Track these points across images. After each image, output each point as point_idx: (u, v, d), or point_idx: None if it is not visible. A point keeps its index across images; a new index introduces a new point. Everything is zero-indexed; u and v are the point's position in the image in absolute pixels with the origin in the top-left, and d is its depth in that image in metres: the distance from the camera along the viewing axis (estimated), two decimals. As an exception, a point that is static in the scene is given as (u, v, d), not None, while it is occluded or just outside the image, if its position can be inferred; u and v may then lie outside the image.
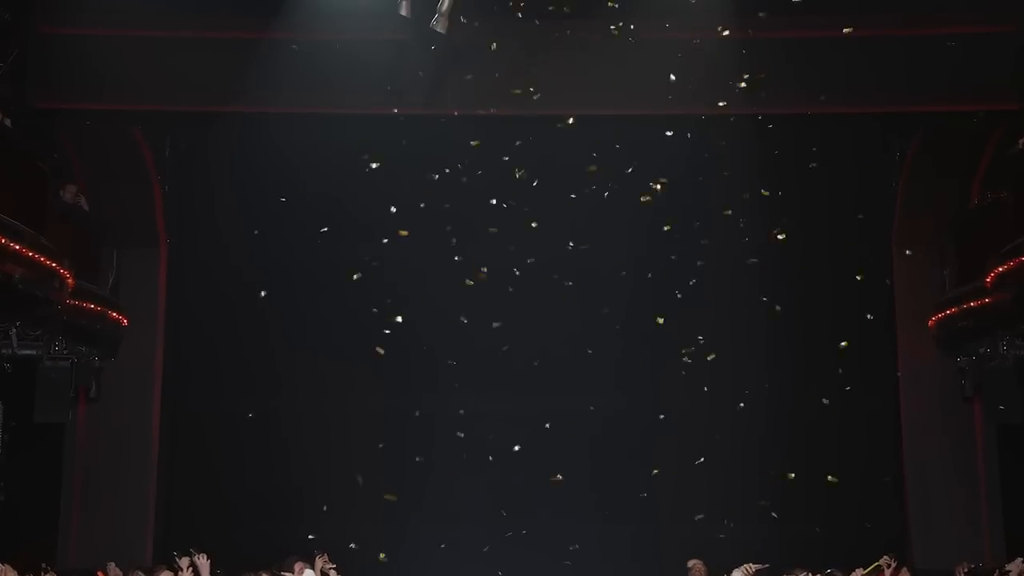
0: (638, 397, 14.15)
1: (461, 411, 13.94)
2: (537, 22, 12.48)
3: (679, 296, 13.99)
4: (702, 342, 13.89)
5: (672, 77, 12.62)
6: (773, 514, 13.40)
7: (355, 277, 13.32)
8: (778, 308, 13.92)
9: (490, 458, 13.75)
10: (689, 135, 13.65)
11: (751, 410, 13.99)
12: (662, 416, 14.02)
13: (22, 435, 13.33)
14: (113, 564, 11.99)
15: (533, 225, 13.53)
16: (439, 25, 10.20)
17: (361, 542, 13.51)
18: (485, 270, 13.31)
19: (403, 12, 10.37)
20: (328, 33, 12.76)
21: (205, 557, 9.37)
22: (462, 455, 13.82)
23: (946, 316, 13.41)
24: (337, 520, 13.71)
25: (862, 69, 12.86)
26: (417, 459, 13.95)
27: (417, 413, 14.08)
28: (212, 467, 14.13)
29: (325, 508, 13.72)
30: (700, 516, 13.61)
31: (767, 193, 13.59)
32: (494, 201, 13.62)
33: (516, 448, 13.65)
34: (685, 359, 13.62)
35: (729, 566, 10.37)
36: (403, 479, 13.92)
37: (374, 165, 13.12)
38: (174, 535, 13.86)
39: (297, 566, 11.36)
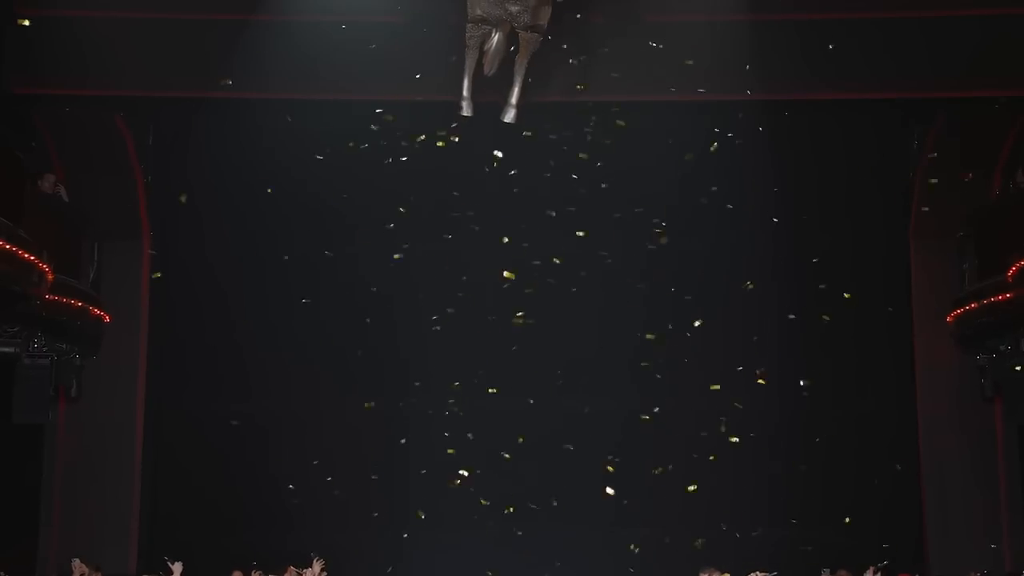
0: (648, 398, 14.09)
1: (458, 412, 13.98)
2: None
3: (690, 293, 14.00)
4: (712, 342, 13.97)
5: (682, 62, 12.64)
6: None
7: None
8: (790, 305, 13.95)
9: (485, 461, 13.81)
10: (698, 123, 13.67)
11: (765, 410, 13.98)
12: (672, 419, 14.02)
13: (0, 436, 13.29)
14: (78, 560, 12.01)
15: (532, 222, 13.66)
16: (508, 116, 10.84)
17: (357, 548, 13.59)
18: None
19: (465, 112, 10.69)
20: (318, 15, 12.72)
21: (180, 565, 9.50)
22: (458, 458, 13.84)
23: (966, 312, 13.35)
24: (331, 526, 13.72)
25: (879, 53, 12.82)
26: (412, 462, 13.99)
27: (413, 424, 14.11)
28: (198, 468, 14.07)
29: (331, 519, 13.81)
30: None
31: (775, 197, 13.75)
32: (489, 193, 13.71)
33: (506, 451, 13.79)
34: (690, 352, 13.77)
35: (741, 572, 10.41)
36: (398, 483, 13.96)
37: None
38: (158, 540, 13.83)
39: (291, 571, 11.39)
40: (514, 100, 10.83)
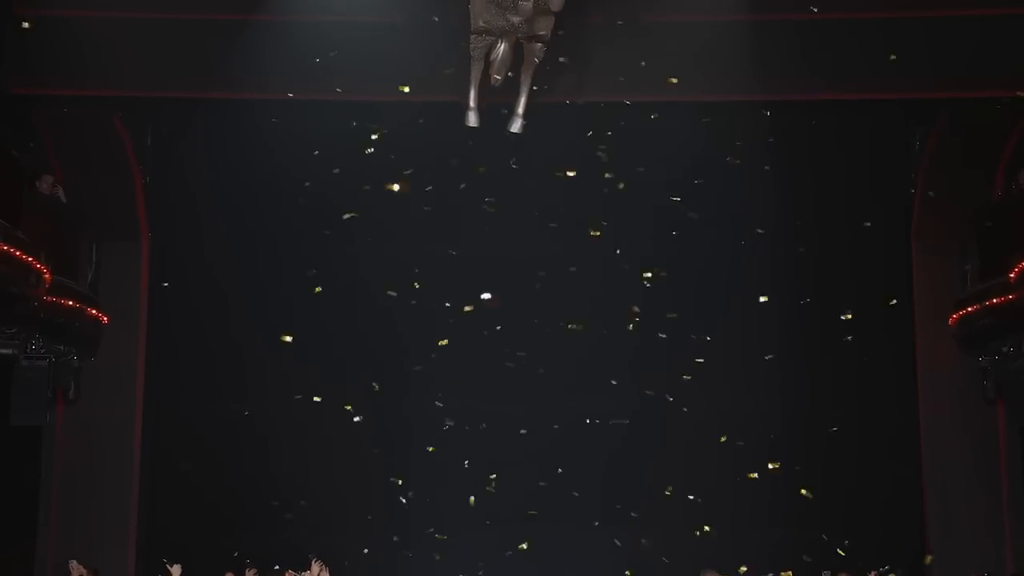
0: (645, 401, 14.07)
1: (458, 414, 13.98)
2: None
3: (687, 295, 14.00)
4: (712, 343, 13.95)
5: (681, 62, 12.64)
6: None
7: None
8: (791, 304, 13.94)
9: (487, 463, 13.81)
10: (694, 124, 13.67)
11: (763, 413, 13.97)
12: (671, 420, 14.02)
13: (-3, 438, 13.29)
14: (75, 562, 12.01)
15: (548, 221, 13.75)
16: (515, 126, 11.07)
17: (356, 550, 13.57)
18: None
19: (472, 123, 10.83)
20: (318, 15, 12.72)
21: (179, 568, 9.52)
22: (459, 461, 13.84)
23: (968, 313, 13.33)
24: (330, 527, 13.70)
25: (880, 53, 12.79)
26: (415, 466, 13.99)
27: (412, 425, 14.09)
28: (197, 470, 14.04)
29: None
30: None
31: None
32: (490, 196, 13.79)
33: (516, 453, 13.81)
34: (697, 359, 13.82)
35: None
36: (398, 484, 13.93)
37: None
38: (157, 542, 13.83)
39: (289, 574, 11.40)
40: (520, 110, 11.01)
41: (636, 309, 13.91)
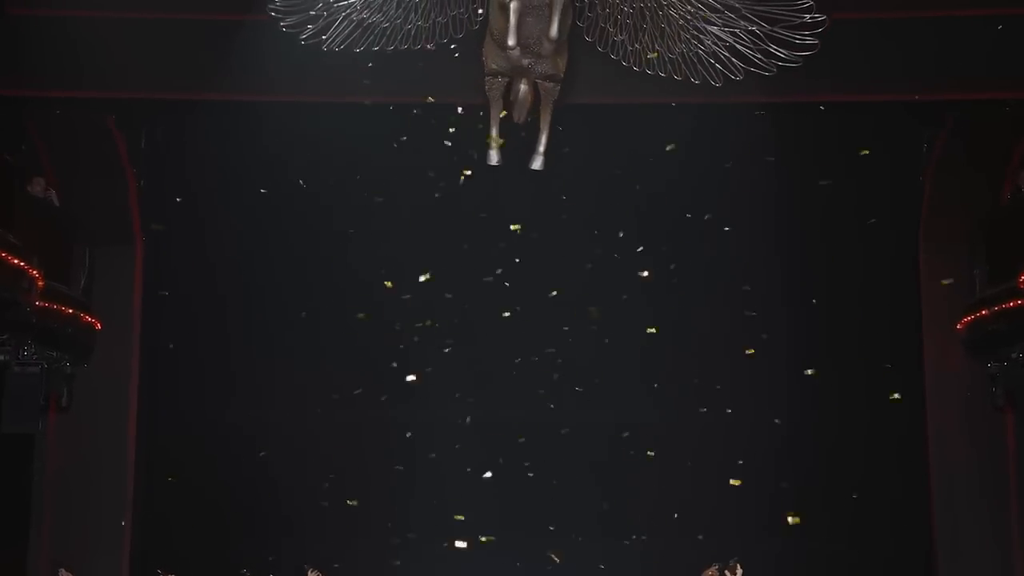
0: (646, 405, 14.04)
1: (464, 420, 13.88)
2: None
3: (690, 298, 13.94)
4: (713, 346, 13.87)
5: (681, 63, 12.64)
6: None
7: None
8: (798, 308, 13.87)
9: (488, 471, 13.69)
10: (698, 126, 13.62)
11: (768, 419, 13.89)
12: (672, 425, 14.00)
13: (-11, 446, 13.21)
14: (64, 570, 11.99)
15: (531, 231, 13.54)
16: (536, 163, 11.42)
17: (356, 558, 13.53)
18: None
19: (493, 161, 11.43)
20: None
21: None
22: (459, 468, 13.74)
23: (976, 319, 13.28)
24: (329, 537, 13.63)
25: (887, 54, 12.77)
26: (412, 472, 13.89)
27: (409, 431, 13.99)
28: (192, 479, 13.95)
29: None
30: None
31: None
32: (491, 197, 13.61)
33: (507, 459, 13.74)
34: (691, 361, 13.80)
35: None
36: (397, 493, 13.87)
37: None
38: (152, 552, 13.74)
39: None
40: (541, 148, 11.16)
41: (647, 323, 13.86)
